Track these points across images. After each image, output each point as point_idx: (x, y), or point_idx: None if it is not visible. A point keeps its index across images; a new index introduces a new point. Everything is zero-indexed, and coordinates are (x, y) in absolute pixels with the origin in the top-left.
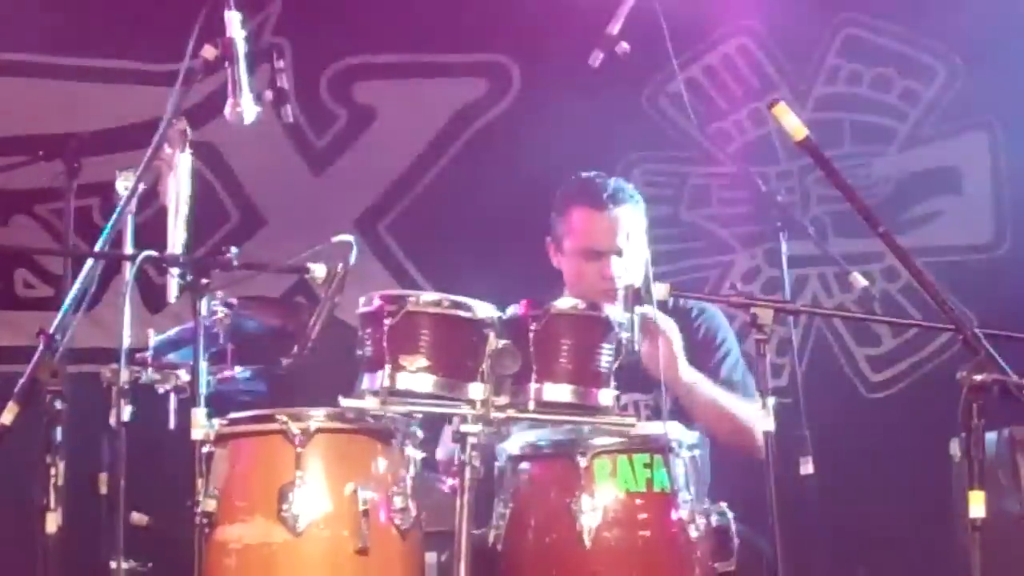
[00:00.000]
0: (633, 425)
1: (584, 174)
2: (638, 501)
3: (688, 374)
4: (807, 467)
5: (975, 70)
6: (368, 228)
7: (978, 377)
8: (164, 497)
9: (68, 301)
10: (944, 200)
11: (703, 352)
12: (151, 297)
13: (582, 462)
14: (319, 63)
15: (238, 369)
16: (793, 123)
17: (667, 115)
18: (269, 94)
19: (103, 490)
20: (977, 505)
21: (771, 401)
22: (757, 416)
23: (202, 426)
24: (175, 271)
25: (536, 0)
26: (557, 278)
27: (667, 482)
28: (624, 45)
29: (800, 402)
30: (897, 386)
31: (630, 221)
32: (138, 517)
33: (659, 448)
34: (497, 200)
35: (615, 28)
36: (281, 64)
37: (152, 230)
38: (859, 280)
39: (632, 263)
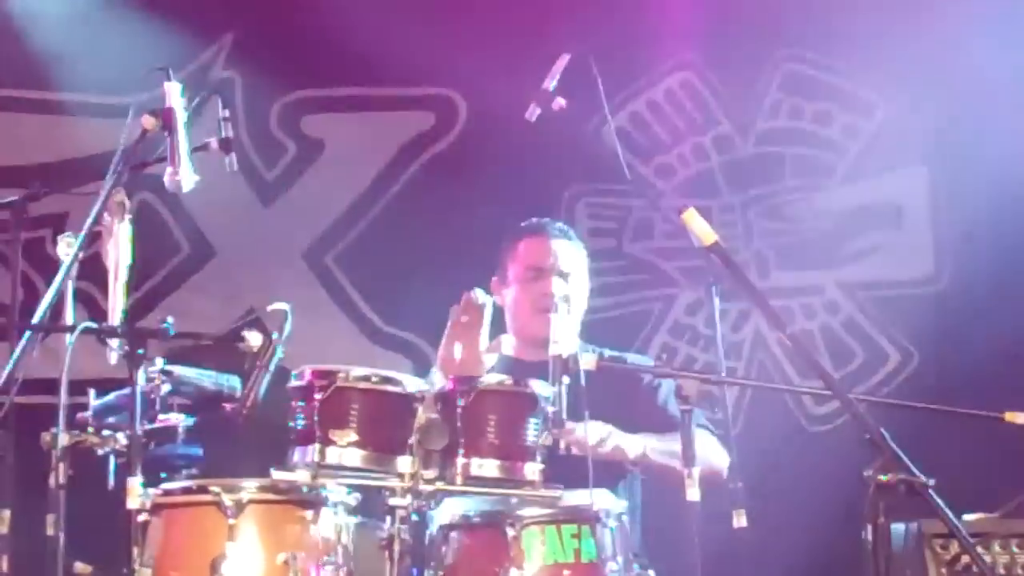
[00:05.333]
0: (560, 497)
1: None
2: (566, 572)
3: (634, 449)
4: (740, 520)
5: (915, 105)
6: (316, 259)
7: (883, 477)
8: (105, 552)
9: (7, 369)
10: (884, 234)
11: (643, 395)
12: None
13: (511, 533)
14: (269, 96)
15: (180, 416)
16: (702, 228)
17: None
18: (214, 143)
19: (50, 531)
20: None
21: (696, 471)
22: (710, 446)
23: (138, 496)
24: (113, 341)
25: (483, 35)
26: (500, 317)
27: (595, 552)
28: (560, 101)
29: (734, 455)
30: (841, 418)
31: (572, 259)
32: (81, 567)
33: (587, 519)
34: (443, 232)
35: (551, 84)
36: (226, 114)
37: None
38: None
39: (572, 306)
